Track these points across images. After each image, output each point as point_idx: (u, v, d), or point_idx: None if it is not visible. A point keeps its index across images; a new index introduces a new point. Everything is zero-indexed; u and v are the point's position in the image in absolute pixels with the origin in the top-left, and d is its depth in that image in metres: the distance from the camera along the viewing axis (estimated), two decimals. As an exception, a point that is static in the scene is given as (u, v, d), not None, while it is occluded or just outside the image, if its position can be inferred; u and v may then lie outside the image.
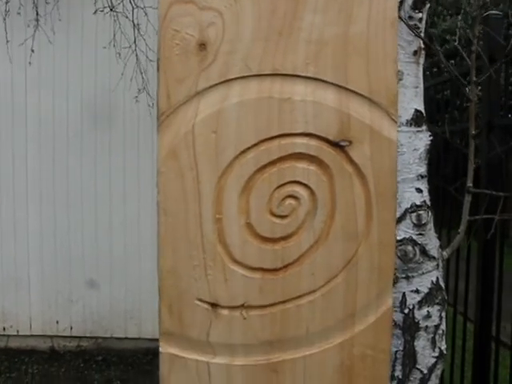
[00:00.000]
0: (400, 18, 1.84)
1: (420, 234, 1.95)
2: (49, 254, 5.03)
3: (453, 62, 4.96)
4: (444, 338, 1.98)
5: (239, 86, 1.29)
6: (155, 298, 1.36)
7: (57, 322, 5.06)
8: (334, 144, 1.30)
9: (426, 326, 1.94)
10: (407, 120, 1.94)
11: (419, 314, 1.94)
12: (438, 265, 1.98)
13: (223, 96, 1.29)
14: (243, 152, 1.29)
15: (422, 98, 1.98)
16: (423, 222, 1.94)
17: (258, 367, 1.34)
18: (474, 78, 2.23)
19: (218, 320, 1.32)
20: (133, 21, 4.41)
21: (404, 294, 1.93)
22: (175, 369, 1.34)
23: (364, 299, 1.34)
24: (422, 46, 1.96)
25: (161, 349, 1.33)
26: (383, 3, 1.30)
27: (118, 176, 5.04)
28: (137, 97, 4.55)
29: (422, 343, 1.94)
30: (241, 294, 1.32)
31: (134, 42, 4.49)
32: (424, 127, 1.97)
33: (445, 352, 1.98)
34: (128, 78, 4.61)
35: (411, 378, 1.94)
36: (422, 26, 1.97)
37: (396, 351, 1.91)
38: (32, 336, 5.06)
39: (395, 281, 1.71)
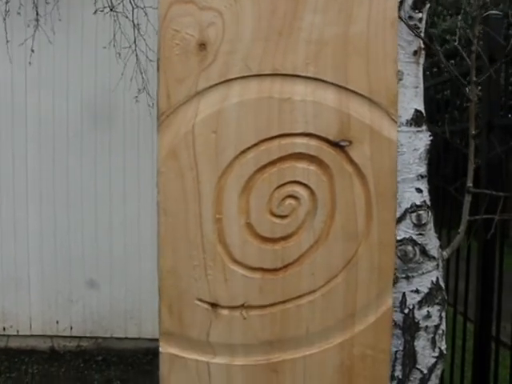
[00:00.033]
0: (400, 17, 1.84)
1: (420, 234, 1.95)
2: (49, 254, 5.03)
3: (453, 61, 4.96)
4: (444, 337, 1.98)
5: (239, 86, 1.29)
6: (155, 297, 1.36)
7: (57, 322, 5.06)
8: (334, 144, 1.30)
9: (426, 326, 1.94)
10: (407, 120, 1.94)
11: (419, 314, 1.94)
12: (438, 265, 1.98)
13: (223, 96, 1.29)
14: (243, 152, 1.29)
15: (422, 98, 1.98)
16: (423, 222, 1.94)
17: (258, 367, 1.34)
18: (474, 78, 2.22)
19: (218, 320, 1.32)
20: (133, 21, 4.41)
21: (404, 293, 1.93)
22: (175, 369, 1.34)
23: (364, 299, 1.34)
24: (422, 45, 1.96)
25: (161, 349, 1.33)
26: (383, 3, 1.30)
27: (118, 176, 5.04)
28: (137, 97, 4.55)
29: (422, 343, 1.94)
30: (241, 293, 1.32)
31: (134, 42, 4.49)
32: (424, 127, 1.97)
33: (445, 352, 1.98)
34: (128, 78, 4.61)
35: (411, 378, 1.94)
36: (422, 25, 1.97)
37: (396, 351, 1.91)
38: (32, 336, 5.06)
39: (395, 281, 1.71)
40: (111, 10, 4.36)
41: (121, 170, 5.04)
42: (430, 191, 1.98)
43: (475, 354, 2.94)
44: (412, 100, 1.95)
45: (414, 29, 1.92)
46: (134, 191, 5.03)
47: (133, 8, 4.38)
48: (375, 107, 1.31)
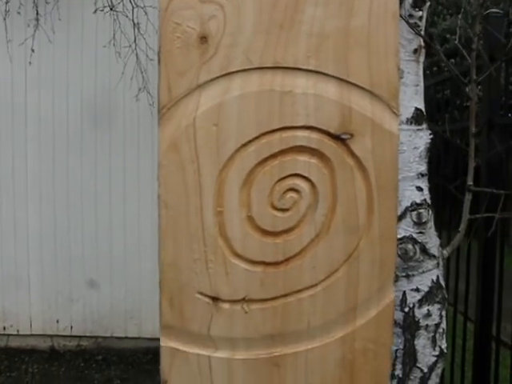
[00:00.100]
0: (400, 16, 1.83)
1: (420, 233, 1.94)
2: (49, 254, 5.02)
3: (453, 60, 4.95)
4: (444, 336, 1.98)
5: (240, 79, 1.28)
6: (155, 297, 1.35)
7: (57, 322, 5.04)
8: (336, 137, 1.30)
9: (427, 325, 1.93)
10: (407, 118, 1.94)
11: (419, 313, 1.93)
12: (438, 263, 1.97)
13: (224, 89, 1.29)
14: (244, 145, 1.29)
15: (422, 97, 1.97)
16: (423, 221, 1.94)
17: (259, 361, 1.34)
18: (475, 77, 2.22)
19: (219, 314, 1.32)
20: (133, 20, 4.40)
21: (404, 292, 1.92)
22: (176, 363, 1.34)
23: (365, 293, 1.34)
24: (423, 44, 1.95)
25: (161, 343, 1.33)
26: (384, -4, 1.30)
27: (118, 176, 5.03)
28: (137, 95, 4.55)
29: (422, 342, 1.93)
30: (242, 287, 1.32)
31: (134, 41, 4.49)
32: (424, 125, 1.96)
33: (445, 351, 1.98)
34: (128, 78, 4.60)
35: (411, 377, 1.93)
36: (423, 24, 1.97)
37: (396, 350, 1.90)
38: (32, 335, 5.05)
39: (395, 279, 1.70)
40: (111, 9, 4.36)
41: (121, 169, 5.03)
42: (430, 190, 1.98)
43: (475, 354, 2.93)
44: (412, 98, 1.95)
45: (414, 27, 1.92)
46: (134, 191, 5.02)
47: (133, 7, 4.38)
48: (376, 100, 1.31)
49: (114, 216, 5.06)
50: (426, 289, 1.94)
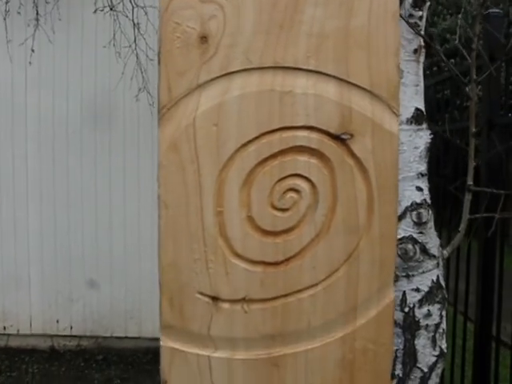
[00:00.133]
0: (400, 16, 1.83)
1: (420, 233, 1.93)
2: (49, 254, 5.02)
3: (453, 61, 4.96)
4: (444, 336, 1.98)
5: (240, 79, 1.28)
6: (155, 297, 1.35)
7: (57, 322, 5.04)
8: (336, 137, 1.30)
9: (427, 325, 1.93)
10: (407, 118, 1.93)
11: (420, 313, 1.92)
12: (438, 263, 1.97)
13: (224, 89, 1.28)
14: (244, 145, 1.29)
15: (422, 97, 1.97)
16: (423, 221, 1.93)
17: (259, 361, 1.34)
18: (475, 77, 2.22)
19: (219, 313, 1.32)
20: (133, 20, 4.40)
21: (404, 292, 1.92)
22: (176, 363, 1.33)
23: (365, 293, 1.34)
24: (423, 44, 1.95)
25: (161, 342, 1.33)
26: (384, -4, 1.30)
27: (118, 176, 5.03)
28: (137, 96, 4.54)
29: (422, 342, 1.93)
30: (242, 287, 1.32)
31: (134, 41, 4.48)
32: (424, 125, 1.96)
33: (445, 351, 1.98)
34: (128, 78, 4.60)
35: (412, 377, 1.93)
36: (423, 24, 1.96)
37: (396, 350, 1.90)
38: (32, 335, 5.05)
39: (395, 279, 1.70)
40: (111, 9, 4.35)
41: (121, 169, 5.03)
42: (430, 190, 1.98)
43: (475, 354, 2.93)
44: (412, 98, 1.94)
45: (414, 27, 1.92)
46: (134, 191, 5.02)
47: (133, 7, 4.38)
48: (376, 100, 1.31)
49: (113, 216, 5.05)
50: (426, 289, 1.93)
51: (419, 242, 1.93)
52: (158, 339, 1.37)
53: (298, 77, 1.29)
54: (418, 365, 1.92)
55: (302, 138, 1.29)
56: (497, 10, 2.93)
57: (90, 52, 4.81)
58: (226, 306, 1.32)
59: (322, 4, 1.28)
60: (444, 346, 1.97)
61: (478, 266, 2.90)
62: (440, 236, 2.04)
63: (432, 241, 1.96)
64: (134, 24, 4.37)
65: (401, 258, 1.89)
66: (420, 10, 1.95)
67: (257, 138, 1.29)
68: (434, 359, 1.94)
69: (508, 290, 2.81)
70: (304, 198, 1.31)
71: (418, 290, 1.92)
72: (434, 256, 1.95)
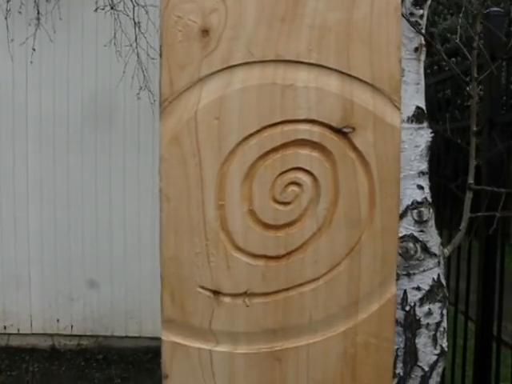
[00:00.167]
0: (401, 14, 1.84)
1: (421, 231, 1.94)
2: (49, 253, 5.02)
3: (454, 60, 4.95)
4: (445, 335, 1.98)
5: (242, 73, 1.28)
6: (155, 297, 1.35)
7: (57, 321, 5.05)
8: (337, 130, 1.30)
9: (428, 324, 1.93)
10: (408, 117, 1.94)
11: (420, 312, 1.93)
12: (439, 262, 1.97)
13: (226, 82, 1.28)
14: (246, 138, 1.29)
15: (423, 95, 1.97)
16: (424, 219, 1.94)
17: (260, 355, 1.33)
18: (475, 76, 2.22)
19: (221, 308, 1.32)
20: (133, 19, 4.40)
21: (405, 291, 1.92)
22: (177, 357, 1.33)
23: (367, 287, 1.33)
24: (423, 42, 1.95)
25: (163, 337, 1.32)
26: (386, -11, 1.29)
27: (118, 176, 5.04)
28: (138, 93, 4.55)
29: (423, 340, 1.93)
30: (243, 281, 1.31)
31: (135, 40, 4.49)
32: (425, 124, 1.96)
33: (446, 349, 1.97)
34: (129, 77, 4.60)
35: (412, 376, 1.93)
36: (423, 22, 1.97)
37: (397, 348, 1.90)
38: (33, 334, 5.05)
39: (396, 277, 1.70)
40: (112, 8, 4.36)
41: (121, 169, 5.04)
42: (431, 188, 1.98)
43: (476, 353, 2.93)
44: (413, 97, 1.95)
45: (415, 25, 1.92)
46: (134, 191, 5.02)
47: (133, 6, 4.38)
48: (378, 94, 1.30)
49: (113, 216, 5.06)
50: (427, 287, 1.93)
51: (420, 241, 1.93)
52: (158, 338, 1.36)
53: (300, 70, 1.28)
54: (419, 363, 1.92)
55: (304, 131, 1.29)
56: (497, 9, 2.94)
57: (90, 51, 4.82)
58: (227, 300, 1.31)
59: (324, -4, 1.28)
60: (445, 344, 1.97)
61: (478, 265, 2.90)
62: (441, 234, 2.05)
63: (433, 239, 1.96)
64: (135, 23, 4.38)
65: (402, 257, 1.90)
66: (421, 8, 1.96)
67: (258, 131, 1.28)
68: (434, 358, 1.94)
69: (509, 290, 2.82)
70: (306, 192, 1.31)
71: (418, 288, 1.92)
72: (435, 254, 1.95)
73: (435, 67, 4.18)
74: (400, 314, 1.90)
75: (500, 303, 2.82)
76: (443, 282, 1.98)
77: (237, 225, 1.30)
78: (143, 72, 4.55)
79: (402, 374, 1.92)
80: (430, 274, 1.95)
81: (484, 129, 2.79)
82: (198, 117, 1.28)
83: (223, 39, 1.27)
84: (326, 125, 1.29)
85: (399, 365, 1.91)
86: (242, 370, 1.33)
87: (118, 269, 5.02)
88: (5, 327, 5.03)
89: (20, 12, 4.63)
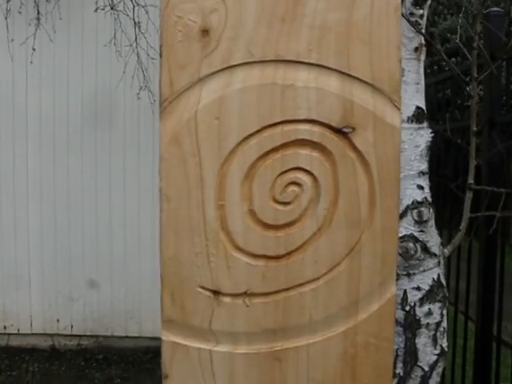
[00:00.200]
0: (401, 14, 1.84)
1: (421, 231, 1.94)
2: (49, 253, 5.02)
3: (454, 60, 4.95)
4: (445, 335, 1.98)
5: (242, 73, 1.28)
6: (155, 297, 1.35)
7: (57, 321, 5.05)
8: (337, 130, 1.30)
9: (427, 324, 1.93)
10: (408, 117, 1.94)
11: (420, 312, 1.93)
12: (439, 262, 1.97)
13: (226, 82, 1.28)
14: (246, 138, 1.29)
15: (423, 95, 1.97)
16: (424, 219, 1.94)
17: (260, 355, 1.33)
18: (476, 75, 2.22)
19: (221, 308, 1.32)
20: (133, 19, 4.40)
21: (405, 291, 1.92)
22: (177, 357, 1.33)
23: (367, 287, 1.33)
24: (423, 42, 1.95)
25: (163, 337, 1.32)
26: (386, -11, 1.29)
27: (118, 176, 5.04)
28: (138, 93, 4.55)
29: (423, 340, 1.93)
30: (243, 281, 1.31)
31: (135, 40, 4.49)
32: (425, 124, 1.96)
33: (446, 349, 1.97)
34: (129, 77, 4.60)
35: (412, 376, 1.93)
36: (423, 22, 1.97)
37: (397, 348, 1.90)
38: (33, 334, 5.05)
39: (396, 277, 1.70)
40: (112, 8, 4.36)
41: (121, 169, 5.04)
42: (430, 188, 1.98)
43: (476, 353, 2.93)
44: (413, 96, 1.95)
45: (415, 25, 1.92)
46: (134, 191, 5.02)
47: (133, 6, 4.39)
48: (378, 94, 1.30)
49: (113, 216, 5.06)
50: (427, 287, 1.93)
51: (420, 241, 1.93)
52: (158, 338, 1.36)
53: (300, 70, 1.28)
54: (419, 363, 1.92)
55: (304, 131, 1.29)
56: (497, 9, 2.94)
57: (90, 51, 4.82)
58: (227, 300, 1.31)
59: (324, -4, 1.28)
60: (445, 344, 1.97)
61: (478, 265, 2.90)
62: (441, 234, 2.05)
63: (433, 239, 1.96)
64: (135, 23, 4.39)
65: (402, 257, 1.90)
66: (421, 8, 1.96)
67: (258, 131, 1.28)
68: (434, 358, 1.94)
69: (509, 290, 2.82)
70: (306, 192, 1.31)
71: (418, 288, 1.92)
72: (435, 254, 1.95)
73: (435, 67, 4.18)
74: (400, 314, 1.90)
75: (500, 303, 2.82)
76: (443, 282, 1.98)
77: (237, 225, 1.30)
78: (143, 72, 4.55)
79: (402, 373, 1.92)
80: (429, 274, 1.95)
81: (484, 129, 2.79)
82: (198, 117, 1.28)
83: (223, 39, 1.27)
84: (326, 125, 1.29)
85: (399, 365, 1.91)
86: (242, 370, 1.33)
87: (117, 269, 5.02)
88: (5, 327, 5.03)
89: (20, 12, 4.64)
